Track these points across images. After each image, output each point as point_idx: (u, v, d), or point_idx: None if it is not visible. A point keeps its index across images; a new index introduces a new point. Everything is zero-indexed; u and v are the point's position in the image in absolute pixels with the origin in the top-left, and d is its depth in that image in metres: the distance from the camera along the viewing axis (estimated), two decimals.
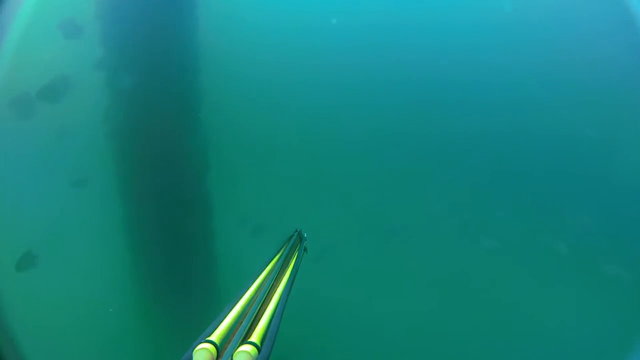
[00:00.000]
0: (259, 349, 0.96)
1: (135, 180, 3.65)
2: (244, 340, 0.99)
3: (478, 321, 4.37)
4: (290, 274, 1.42)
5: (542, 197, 4.38)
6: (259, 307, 1.16)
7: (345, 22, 4.22)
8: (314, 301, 3.47)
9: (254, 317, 1.10)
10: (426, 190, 4.02)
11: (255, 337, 1.00)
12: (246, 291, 1.24)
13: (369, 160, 4.27)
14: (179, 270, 3.76)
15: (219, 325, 1.02)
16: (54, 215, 3.36)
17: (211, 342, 0.93)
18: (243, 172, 4.01)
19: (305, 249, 1.78)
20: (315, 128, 4.30)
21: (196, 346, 0.92)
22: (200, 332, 0.98)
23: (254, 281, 1.31)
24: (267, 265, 1.45)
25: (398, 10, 4.23)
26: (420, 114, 4.03)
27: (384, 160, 4.12)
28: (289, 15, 4.07)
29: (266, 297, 1.23)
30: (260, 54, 4.04)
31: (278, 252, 1.60)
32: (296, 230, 1.91)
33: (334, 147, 4.18)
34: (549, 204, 4.33)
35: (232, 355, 0.91)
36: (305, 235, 1.93)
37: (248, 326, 1.06)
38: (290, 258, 1.59)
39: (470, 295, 4.26)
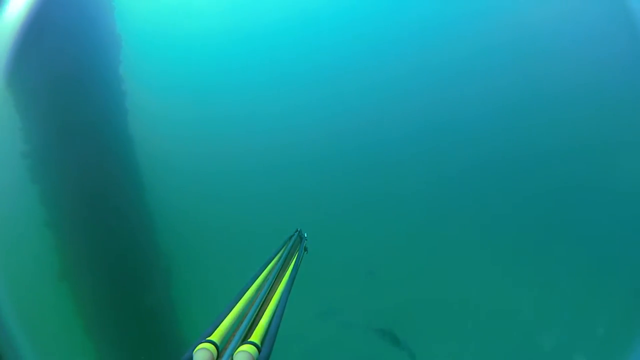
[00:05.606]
0: (259, 348, 0.95)
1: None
2: (244, 340, 0.98)
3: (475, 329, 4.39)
4: (290, 274, 1.40)
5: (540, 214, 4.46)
6: (259, 307, 1.16)
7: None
8: None
9: (254, 317, 1.10)
10: None
11: (256, 336, 1.00)
12: (246, 291, 1.22)
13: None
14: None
15: (219, 325, 1.01)
16: None
17: (211, 341, 0.93)
18: None
19: (305, 249, 1.76)
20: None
21: (196, 346, 0.92)
22: None
23: (254, 281, 1.30)
24: (267, 265, 1.44)
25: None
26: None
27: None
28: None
29: (266, 297, 1.22)
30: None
31: (278, 252, 1.59)
32: (296, 230, 1.90)
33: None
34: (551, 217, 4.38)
35: (232, 355, 0.91)
36: (306, 235, 1.91)
37: (248, 326, 1.05)
38: (291, 258, 1.57)
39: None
